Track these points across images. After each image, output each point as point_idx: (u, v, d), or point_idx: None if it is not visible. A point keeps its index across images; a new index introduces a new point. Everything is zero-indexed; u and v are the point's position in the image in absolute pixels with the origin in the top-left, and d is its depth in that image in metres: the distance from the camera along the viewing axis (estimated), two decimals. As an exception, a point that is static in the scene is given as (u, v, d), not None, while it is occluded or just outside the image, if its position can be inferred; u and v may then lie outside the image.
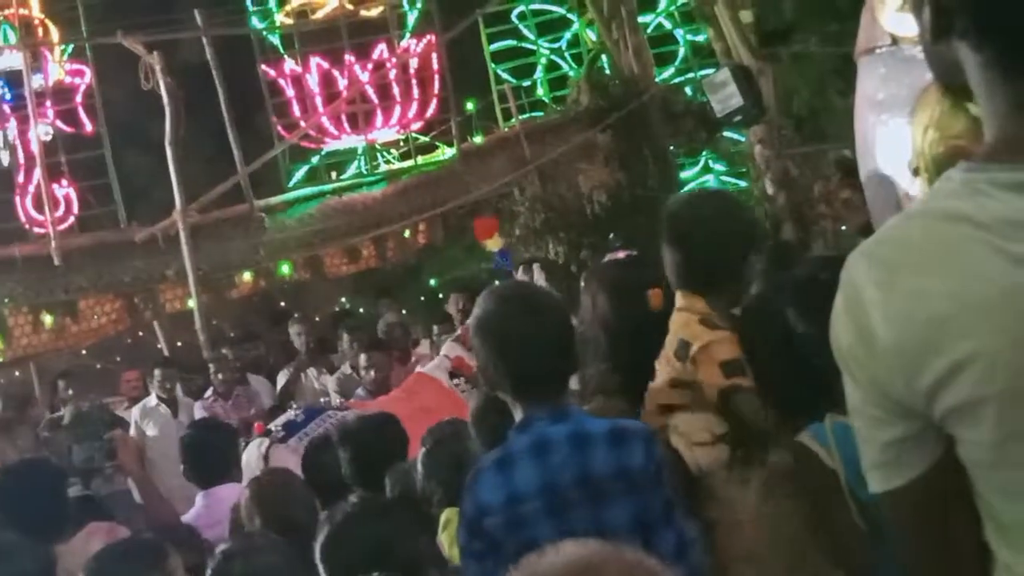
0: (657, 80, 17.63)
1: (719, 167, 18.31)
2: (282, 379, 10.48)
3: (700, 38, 17.88)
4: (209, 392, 10.50)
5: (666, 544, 3.25)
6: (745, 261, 3.87)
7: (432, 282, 18.76)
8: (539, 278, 8.19)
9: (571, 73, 17.75)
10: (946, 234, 1.74)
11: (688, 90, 17.99)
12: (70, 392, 11.79)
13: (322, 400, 8.94)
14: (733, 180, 18.33)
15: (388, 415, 5.37)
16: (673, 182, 17.41)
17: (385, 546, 3.20)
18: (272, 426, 6.63)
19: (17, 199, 15.09)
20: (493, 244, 9.30)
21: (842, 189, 9.46)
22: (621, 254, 4.29)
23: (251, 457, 6.31)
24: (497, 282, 3.58)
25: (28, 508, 4.54)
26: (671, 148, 17.48)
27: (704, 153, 18.10)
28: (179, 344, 15.86)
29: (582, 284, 4.29)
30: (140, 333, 16.44)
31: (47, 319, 14.22)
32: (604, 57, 17.74)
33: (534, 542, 3.18)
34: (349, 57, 16.56)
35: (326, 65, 16.43)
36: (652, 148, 16.93)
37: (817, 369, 2.66)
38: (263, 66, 16.19)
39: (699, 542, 3.42)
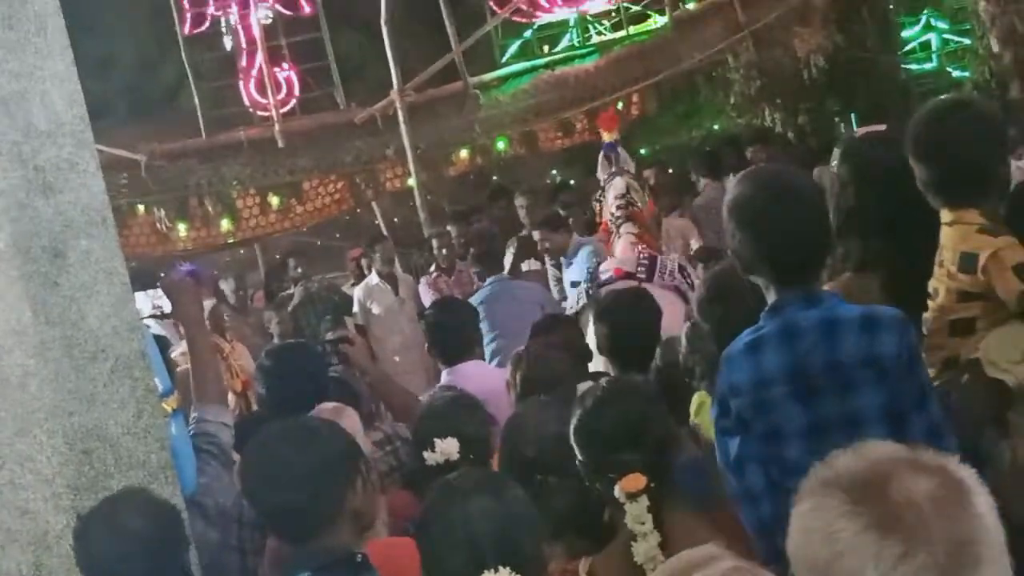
0: (876, -66, 17.09)
1: (941, 25, 17.63)
2: (508, 252, 10.50)
3: None
4: (432, 268, 10.71)
5: (917, 429, 3.22)
6: (1004, 162, 3.84)
7: (643, 151, 18.66)
8: None
9: (786, -68, 17.22)
10: None
11: (908, -57, 17.39)
12: (299, 270, 12.17)
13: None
14: (956, 38, 17.70)
15: (642, 291, 5.49)
16: (893, 43, 16.95)
17: (635, 428, 3.25)
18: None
19: (240, 83, 15.47)
20: (608, 136, 9.39)
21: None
22: (874, 128, 4.22)
23: None
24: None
25: (292, 390, 4.74)
26: (890, 7, 16.97)
27: (925, 11, 17.45)
28: (395, 220, 16.19)
29: (833, 156, 4.28)
30: (358, 210, 16.79)
31: (274, 200, 14.61)
32: (821, -86, 17.18)
33: (781, 426, 3.29)
34: (560, -75, 16.35)
35: (537, -65, 16.26)
36: (871, 8, 16.47)
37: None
38: (474, -61, 16.10)
39: (950, 427, 3.35)
